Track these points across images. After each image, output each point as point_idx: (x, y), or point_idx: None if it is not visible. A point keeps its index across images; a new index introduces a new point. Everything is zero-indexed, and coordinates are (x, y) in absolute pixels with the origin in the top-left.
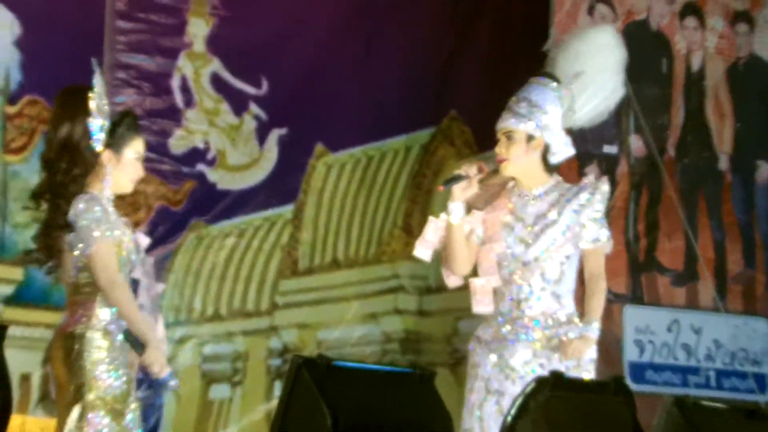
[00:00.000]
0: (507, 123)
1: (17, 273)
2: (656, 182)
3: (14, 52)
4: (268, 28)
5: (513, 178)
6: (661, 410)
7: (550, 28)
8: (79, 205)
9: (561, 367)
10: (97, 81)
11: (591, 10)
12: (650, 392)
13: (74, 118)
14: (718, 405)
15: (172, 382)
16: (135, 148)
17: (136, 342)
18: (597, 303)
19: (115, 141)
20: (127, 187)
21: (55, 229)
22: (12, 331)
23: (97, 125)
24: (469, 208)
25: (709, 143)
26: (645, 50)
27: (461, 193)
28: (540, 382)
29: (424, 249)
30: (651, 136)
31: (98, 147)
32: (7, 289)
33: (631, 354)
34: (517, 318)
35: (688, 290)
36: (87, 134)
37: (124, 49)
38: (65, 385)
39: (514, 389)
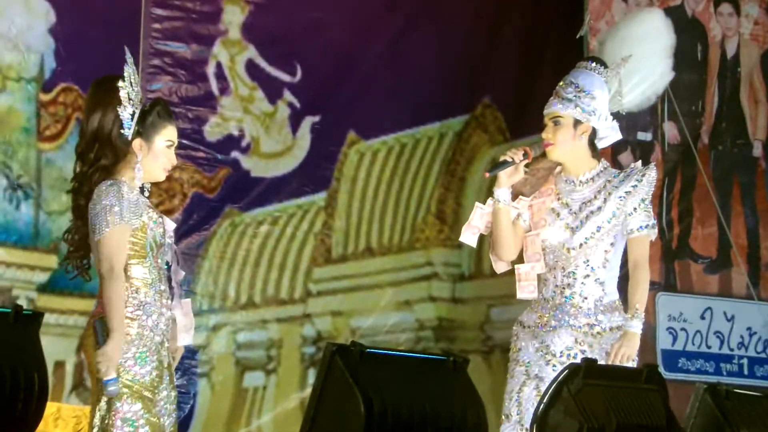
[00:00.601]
0: (554, 108)
1: (52, 261)
2: (690, 169)
3: (49, 40)
4: (303, 16)
5: (559, 163)
6: (694, 398)
7: (585, 14)
8: (96, 192)
9: (602, 355)
10: (128, 70)
11: None
12: (683, 380)
13: (105, 108)
14: (751, 393)
15: (111, 388)
16: (166, 136)
17: (99, 335)
18: (641, 295)
19: (145, 129)
20: (159, 175)
21: (81, 229)
22: (46, 318)
23: (128, 114)
24: (516, 193)
25: (744, 130)
26: (679, 37)
27: (507, 178)
28: (573, 369)
29: (470, 234)
30: (685, 123)
31: (129, 136)
32: (42, 277)
33: (664, 342)
34: (560, 304)
35: (721, 278)
36: (117, 124)
37: (159, 36)
38: (94, 375)
39: (553, 375)
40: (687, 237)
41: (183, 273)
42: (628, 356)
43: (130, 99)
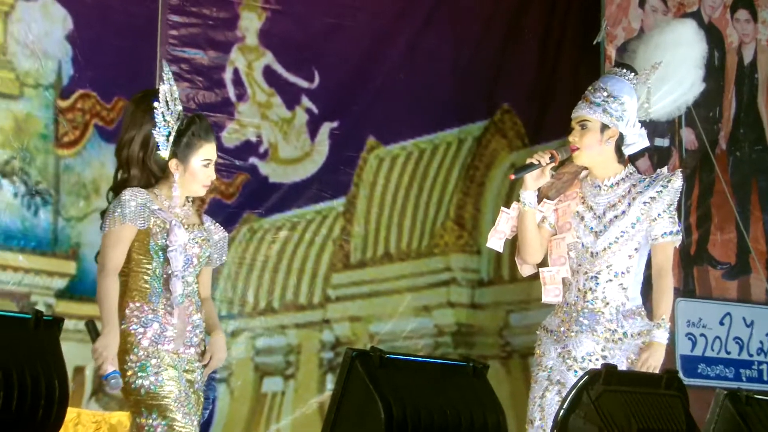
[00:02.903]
0: (582, 112)
1: (70, 266)
2: (708, 175)
3: (66, 46)
4: (320, 22)
5: (585, 168)
6: (714, 404)
7: (601, 21)
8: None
9: (624, 360)
10: (164, 88)
11: (642, 3)
12: (703, 386)
13: (139, 128)
14: None
15: (111, 381)
16: (202, 156)
17: (93, 330)
18: (666, 305)
19: (181, 150)
20: (198, 191)
21: None
22: (65, 324)
23: (163, 136)
24: (541, 197)
25: (762, 136)
26: None
27: (534, 182)
28: (593, 375)
29: (496, 240)
30: (703, 129)
31: (165, 156)
32: (60, 283)
33: (683, 348)
34: (582, 309)
35: (740, 283)
36: (150, 145)
37: (176, 43)
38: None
39: (574, 381)
40: (706, 243)
41: (179, 289)
42: (654, 367)
43: (165, 120)
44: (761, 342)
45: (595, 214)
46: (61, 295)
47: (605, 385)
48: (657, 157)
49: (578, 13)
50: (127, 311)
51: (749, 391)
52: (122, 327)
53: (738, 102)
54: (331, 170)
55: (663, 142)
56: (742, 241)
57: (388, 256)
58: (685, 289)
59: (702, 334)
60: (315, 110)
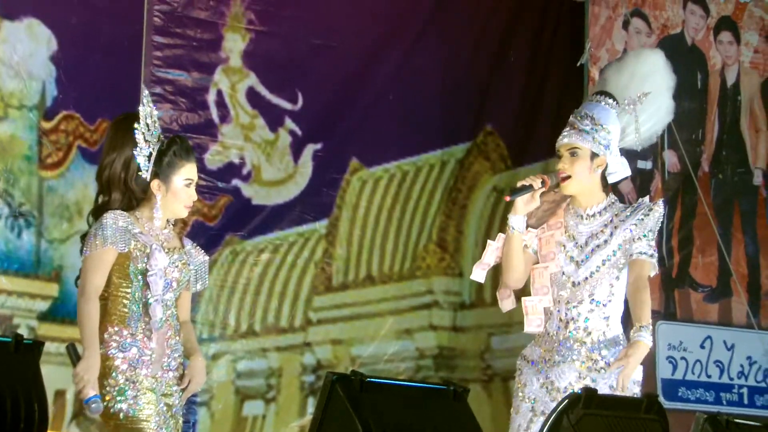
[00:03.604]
0: (572, 139)
1: (53, 289)
2: (690, 197)
3: (51, 67)
4: (304, 43)
5: (569, 196)
6: (694, 427)
7: (585, 43)
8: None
9: (607, 390)
10: (144, 110)
11: (626, 25)
12: (683, 409)
13: (120, 150)
14: (751, 423)
15: (93, 406)
16: (184, 175)
17: (74, 353)
18: (647, 312)
19: (162, 170)
20: (180, 212)
21: None
22: (47, 347)
23: (144, 157)
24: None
25: (744, 158)
26: (680, 65)
27: (524, 206)
28: (573, 399)
29: (479, 271)
30: (685, 152)
31: (147, 177)
32: (43, 305)
33: (664, 371)
34: (564, 338)
35: (721, 306)
36: (132, 166)
37: (160, 64)
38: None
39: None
40: (687, 265)
41: (159, 314)
42: (636, 359)
43: (146, 140)
44: (742, 366)
45: (576, 243)
46: (43, 317)
47: (585, 408)
48: (639, 179)
49: (564, 36)
50: (105, 335)
51: (729, 414)
52: (101, 351)
53: (721, 124)
54: (314, 192)
55: (645, 164)
56: (723, 264)
57: (370, 278)
58: (666, 312)
59: (683, 358)
60: (298, 132)
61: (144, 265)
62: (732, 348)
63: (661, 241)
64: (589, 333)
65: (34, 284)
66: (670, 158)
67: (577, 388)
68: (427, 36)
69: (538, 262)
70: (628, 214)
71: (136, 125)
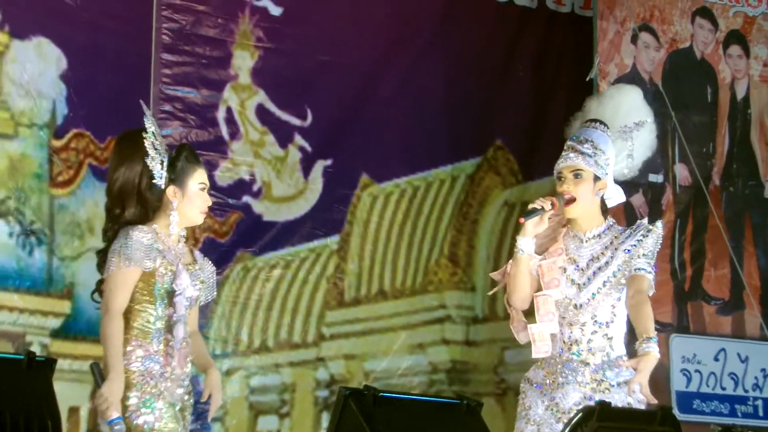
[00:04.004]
0: (576, 161)
1: (65, 306)
2: (702, 211)
3: (61, 86)
4: (312, 60)
5: (567, 222)
6: None
7: (594, 57)
8: (118, 236)
9: None
10: (149, 121)
11: (634, 39)
12: (698, 422)
13: (130, 162)
14: None
15: (116, 428)
16: (198, 179)
17: (97, 377)
18: (650, 324)
19: (177, 176)
20: (197, 218)
21: None
22: (60, 364)
23: (158, 164)
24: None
25: (755, 171)
26: (689, 79)
27: (534, 228)
28: (587, 412)
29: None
30: (696, 165)
31: (162, 184)
32: (55, 323)
33: (678, 384)
34: (567, 360)
35: (734, 319)
36: (146, 176)
37: (169, 82)
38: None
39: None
40: (699, 278)
41: (182, 333)
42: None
43: (156, 149)
44: (756, 378)
45: (578, 266)
46: (55, 334)
47: (599, 421)
48: (651, 193)
49: (571, 50)
50: (128, 348)
51: (744, 427)
52: (123, 363)
53: (731, 137)
54: (324, 208)
55: (657, 178)
56: (735, 277)
57: (382, 293)
58: (679, 325)
59: (697, 370)
60: (308, 148)
61: (170, 284)
62: (746, 360)
63: (673, 254)
64: (593, 354)
65: (46, 302)
66: (681, 171)
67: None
68: (434, 50)
69: (540, 287)
70: (628, 235)
71: (144, 135)
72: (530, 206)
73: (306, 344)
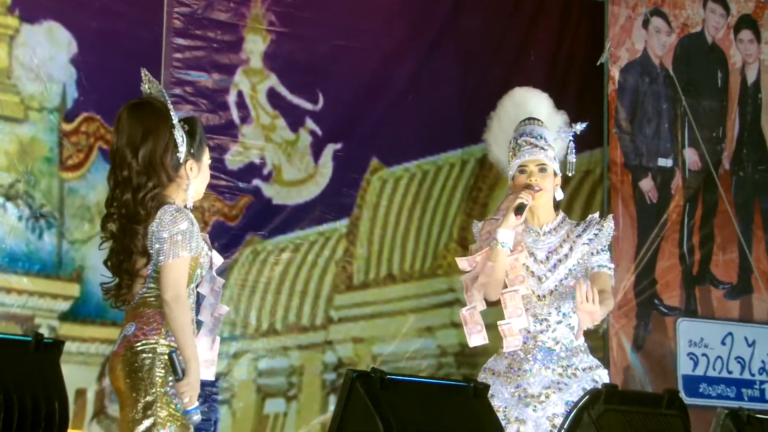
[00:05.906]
0: (540, 156)
1: (74, 289)
2: (711, 195)
3: (71, 70)
4: (324, 44)
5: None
6: (715, 423)
7: (605, 42)
8: (165, 217)
9: (579, 392)
10: (162, 92)
11: (646, 24)
12: (704, 405)
13: (155, 133)
14: None
15: (195, 417)
16: (208, 154)
17: (178, 366)
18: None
19: (196, 150)
20: (202, 193)
21: (134, 255)
22: (68, 346)
23: (181, 136)
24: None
25: (765, 156)
26: (700, 63)
27: (515, 221)
28: (594, 394)
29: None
30: (706, 150)
31: (182, 157)
32: (64, 305)
33: (685, 367)
34: (532, 348)
35: (742, 303)
36: (172, 147)
37: (180, 66)
38: (129, 401)
39: (535, 415)
40: (708, 263)
41: (226, 309)
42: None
43: (178, 120)
44: (763, 362)
45: (536, 259)
46: (64, 317)
47: (606, 404)
48: (660, 177)
49: (584, 35)
50: (164, 334)
51: (751, 410)
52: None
53: (741, 122)
54: (334, 192)
55: (666, 162)
56: (744, 261)
57: (391, 277)
58: (687, 309)
59: (704, 354)
60: (319, 132)
61: (204, 270)
62: (753, 344)
63: (681, 239)
64: (558, 342)
65: (55, 285)
66: (690, 156)
67: (551, 390)
68: (447, 36)
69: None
70: (583, 229)
71: (169, 105)
72: (518, 201)
73: (314, 327)
